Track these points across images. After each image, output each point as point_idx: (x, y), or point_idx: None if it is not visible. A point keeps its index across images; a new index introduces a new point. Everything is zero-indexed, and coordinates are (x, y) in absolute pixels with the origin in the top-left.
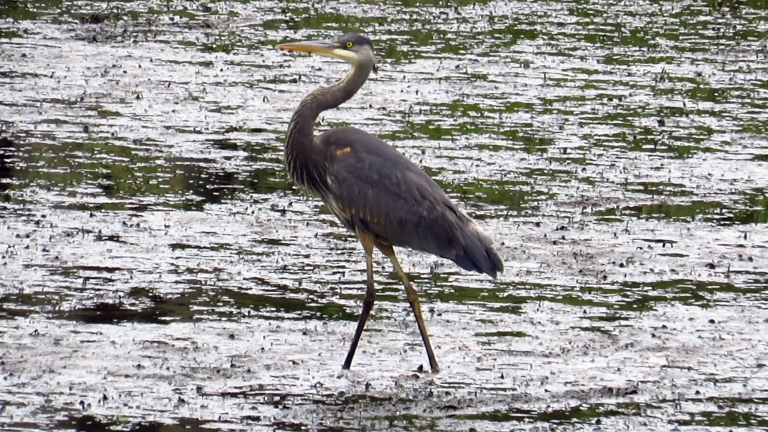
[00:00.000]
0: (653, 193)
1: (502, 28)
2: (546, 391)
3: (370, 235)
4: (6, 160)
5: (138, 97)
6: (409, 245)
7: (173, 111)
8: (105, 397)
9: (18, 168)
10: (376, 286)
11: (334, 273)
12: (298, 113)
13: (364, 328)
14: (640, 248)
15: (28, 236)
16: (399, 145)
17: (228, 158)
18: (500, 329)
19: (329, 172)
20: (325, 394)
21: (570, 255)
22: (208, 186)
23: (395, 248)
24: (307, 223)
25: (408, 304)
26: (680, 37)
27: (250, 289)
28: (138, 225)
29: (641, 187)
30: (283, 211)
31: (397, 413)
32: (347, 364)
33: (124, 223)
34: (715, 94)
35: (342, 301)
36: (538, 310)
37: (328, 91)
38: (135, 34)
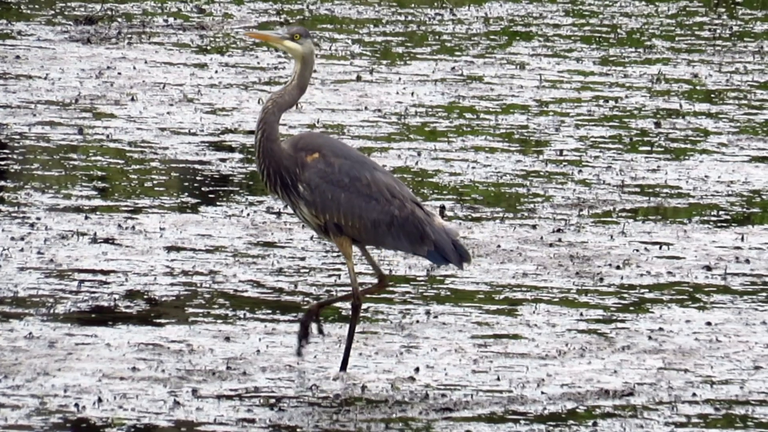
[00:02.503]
0: (650, 195)
1: (498, 29)
2: (542, 393)
3: (347, 239)
4: (0, 162)
5: (133, 99)
6: (383, 245)
7: (168, 113)
8: (100, 400)
9: (12, 170)
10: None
11: (329, 275)
12: (262, 121)
13: (356, 330)
14: (637, 250)
15: (22, 239)
16: (395, 147)
17: (223, 160)
18: (496, 331)
19: (301, 179)
20: (320, 396)
21: (566, 257)
22: (203, 188)
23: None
24: (303, 226)
25: (405, 306)
26: (676, 39)
27: (246, 291)
28: (133, 227)
29: (638, 189)
30: (279, 214)
31: (393, 415)
32: (343, 368)
33: (119, 225)
34: (712, 95)
35: (337, 304)
36: (534, 312)
37: (285, 92)
38: (129, 35)
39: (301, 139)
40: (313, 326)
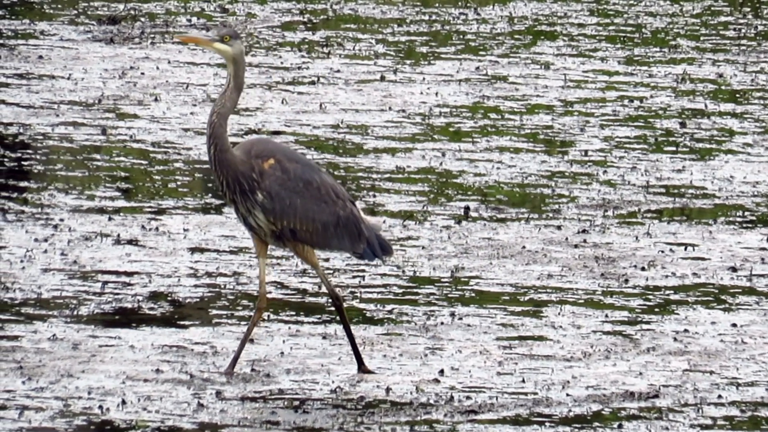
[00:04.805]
0: (675, 195)
1: (522, 29)
2: (567, 395)
3: (304, 244)
4: (24, 163)
5: (156, 99)
6: (329, 247)
7: (191, 113)
8: (124, 402)
9: (36, 171)
10: (396, 290)
11: (353, 277)
12: (212, 136)
13: (352, 329)
14: (662, 251)
15: (46, 240)
16: (419, 148)
17: None
18: (521, 333)
19: (260, 187)
20: (345, 398)
21: (591, 258)
22: None
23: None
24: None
25: (429, 308)
26: (701, 38)
27: (270, 293)
28: (157, 229)
29: (663, 190)
30: None
31: (418, 418)
32: (360, 365)
33: (142, 226)
34: (737, 95)
35: (362, 305)
36: (559, 313)
37: (226, 99)
38: (152, 35)
39: (254, 145)
40: None
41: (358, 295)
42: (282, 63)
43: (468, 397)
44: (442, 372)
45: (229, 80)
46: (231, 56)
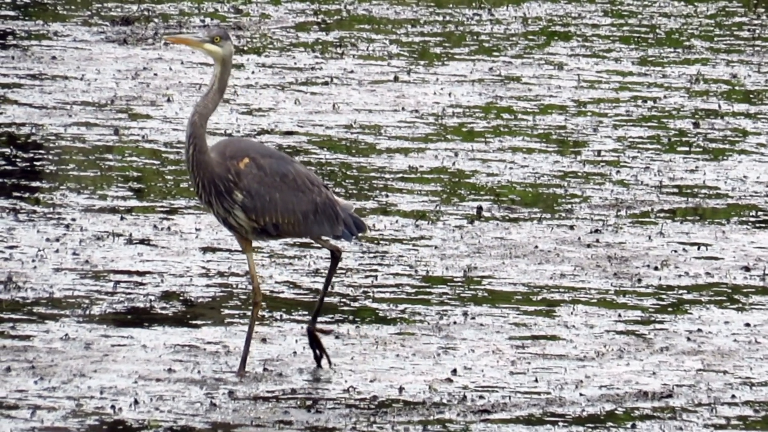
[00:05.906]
0: (688, 195)
1: (536, 29)
2: (581, 395)
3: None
4: (36, 163)
5: (169, 100)
6: (310, 234)
7: None
8: (136, 402)
9: (48, 171)
10: (409, 290)
11: (366, 276)
12: (192, 135)
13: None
14: (675, 251)
15: (58, 240)
16: (432, 148)
17: None
18: (534, 333)
19: (239, 187)
20: (357, 398)
21: (604, 258)
22: None
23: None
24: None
25: (442, 308)
26: (715, 39)
27: (282, 292)
28: (169, 228)
29: (676, 190)
30: None
31: (431, 417)
32: (314, 321)
33: (154, 226)
34: (751, 95)
35: (374, 305)
36: (572, 313)
37: (209, 101)
38: (166, 36)
39: (227, 146)
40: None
41: (371, 294)
42: (295, 63)
43: (481, 397)
44: (455, 371)
45: (214, 81)
46: (221, 57)
